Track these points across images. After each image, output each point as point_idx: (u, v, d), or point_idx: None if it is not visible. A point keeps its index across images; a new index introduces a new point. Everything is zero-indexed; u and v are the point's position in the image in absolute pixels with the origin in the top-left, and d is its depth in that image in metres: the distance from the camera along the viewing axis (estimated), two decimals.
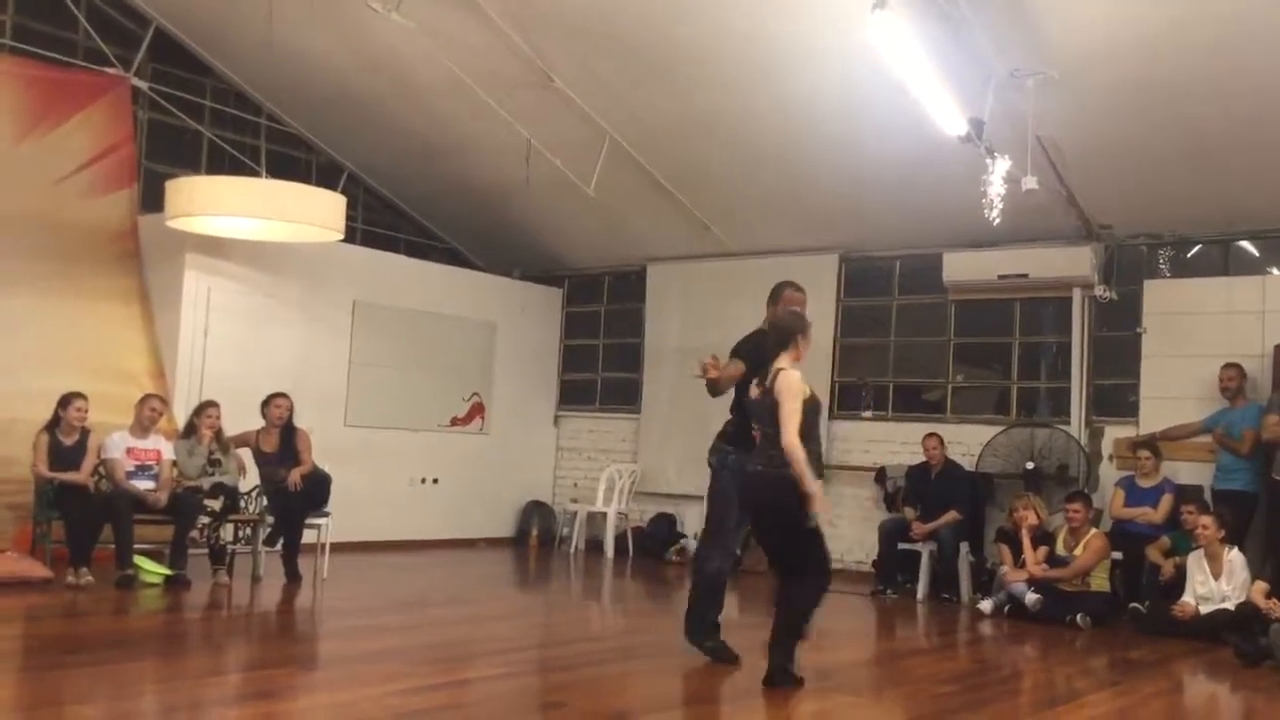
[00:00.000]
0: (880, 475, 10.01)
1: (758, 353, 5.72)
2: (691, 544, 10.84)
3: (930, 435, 9.36)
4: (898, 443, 10.04)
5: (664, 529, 11.12)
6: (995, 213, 7.76)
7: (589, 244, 11.67)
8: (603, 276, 12.21)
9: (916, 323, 10.42)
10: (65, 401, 7.58)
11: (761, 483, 5.29)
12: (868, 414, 10.47)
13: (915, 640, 7.74)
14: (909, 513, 9.17)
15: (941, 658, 7.04)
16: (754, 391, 5.42)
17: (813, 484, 5.12)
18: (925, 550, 9.02)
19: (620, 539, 11.05)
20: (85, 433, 7.65)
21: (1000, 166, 7.73)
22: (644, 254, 11.53)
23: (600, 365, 12.20)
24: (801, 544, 5.23)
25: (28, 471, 7.63)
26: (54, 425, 7.58)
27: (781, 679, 5.22)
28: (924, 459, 9.35)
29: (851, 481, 10.30)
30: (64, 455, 7.57)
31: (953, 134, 7.83)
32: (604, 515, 11.09)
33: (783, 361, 5.34)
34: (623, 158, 9.65)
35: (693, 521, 11.02)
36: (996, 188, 7.72)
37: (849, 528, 10.20)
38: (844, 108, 8.40)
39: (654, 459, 11.41)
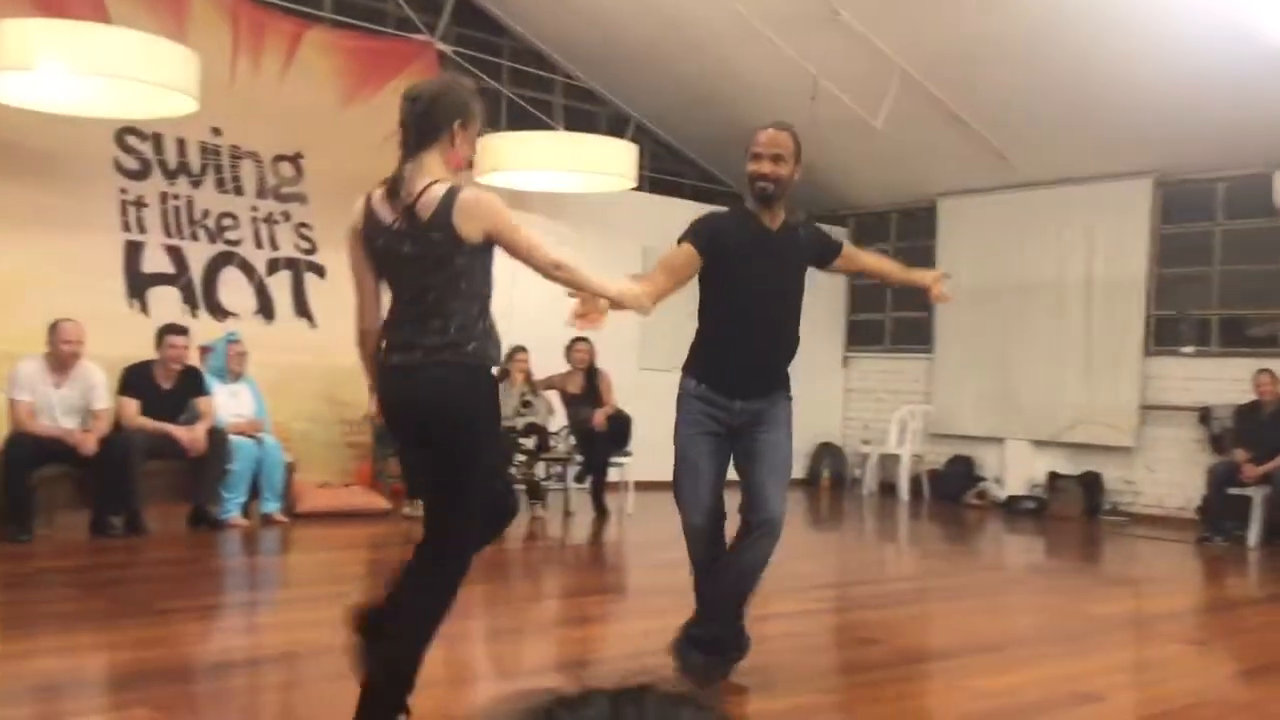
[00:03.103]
0: (1205, 415, 9.32)
1: (720, 238, 3.88)
2: (992, 487, 10.54)
3: (1263, 372, 8.61)
4: (1226, 379, 9.29)
5: (961, 471, 10.83)
6: None
7: (876, 181, 11.41)
8: (890, 214, 11.92)
9: (1243, 250, 9.56)
10: None
11: (418, 383, 3.11)
12: (1189, 349, 9.74)
13: (1247, 589, 7.22)
14: (1240, 455, 8.50)
15: (1278, 607, 6.52)
16: (381, 210, 3.12)
17: (613, 285, 3.34)
18: (1258, 495, 8.34)
19: (915, 482, 10.85)
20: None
21: None
22: (934, 189, 11.16)
23: (889, 304, 11.96)
24: (461, 489, 3.13)
25: (367, 412, 8.33)
26: None
27: None
28: (1254, 397, 8.63)
29: (1170, 422, 9.66)
30: None
31: None
32: (897, 457, 10.92)
33: (434, 167, 3.10)
34: (912, 88, 9.35)
35: (991, 464, 10.69)
36: None
37: (1168, 471, 9.60)
38: (1157, 17, 7.77)
39: (949, 400, 11.10)
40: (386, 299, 3.24)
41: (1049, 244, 10.38)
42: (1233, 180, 9.52)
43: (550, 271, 3.15)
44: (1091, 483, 9.94)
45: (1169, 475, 9.54)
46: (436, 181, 3.06)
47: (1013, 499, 10.22)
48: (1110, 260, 10.01)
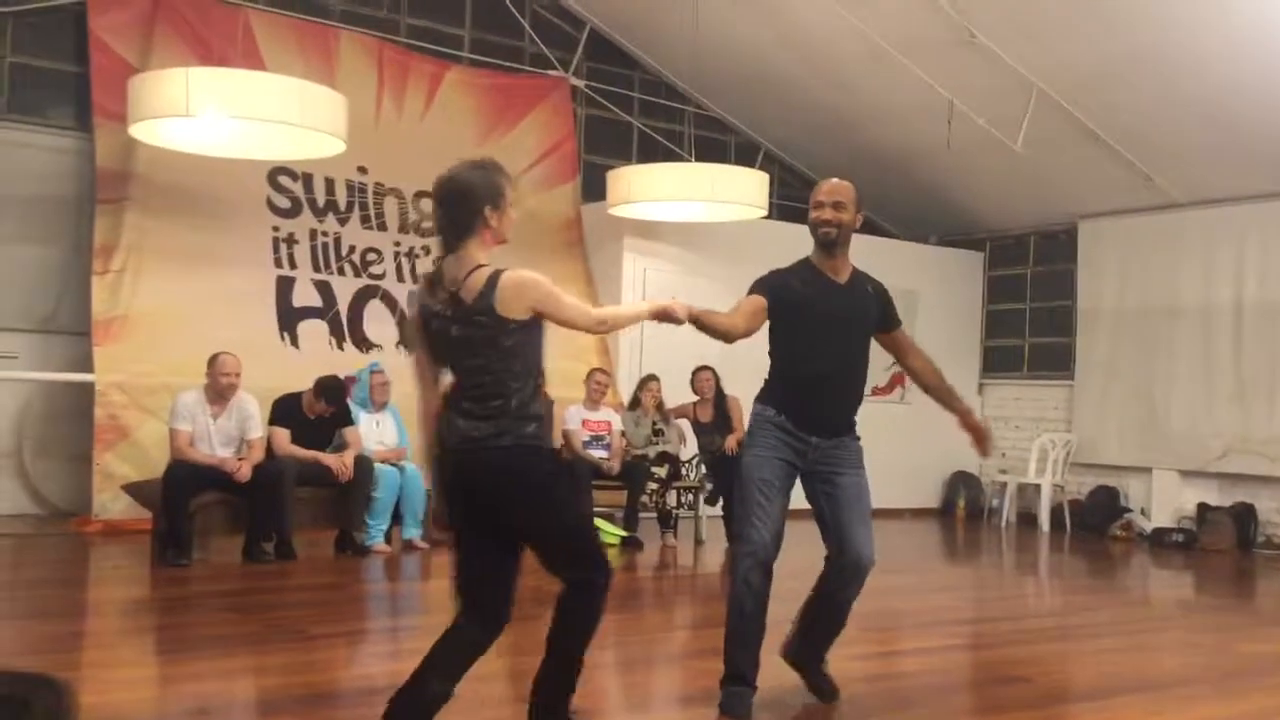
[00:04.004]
0: None
1: (784, 292, 3.98)
2: (1138, 519, 10.17)
3: None
4: None
5: (1105, 502, 10.47)
6: None
7: (1012, 204, 11.18)
8: (1028, 237, 11.65)
9: None
10: None
11: (479, 464, 3.19)
12: None
13: None
14: None
15: None
16: (427, 298, 3.25)
17: (646, 305, 3.57)
18: None
19: (1056, 512, 10.54)
20: (549, 404, 8.39)
21: None
22: (1075, 211, 10.88)
23: (1027, 330, 11.68)
24: (567, 534, 3.31)
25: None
26: None
27: None
28: None
29: None
30: None
31: None
32: (1037, 487, 10.62)
33: (476, 254, 3.20)
34: (1051, 109, 9.15)
35: (1137, 495, 10.32)
36: None
37: None
38: None
39: (1092, 428, 10.76)
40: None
41: (1197, 266, 10.01)
42: None
43: (597, 329, 3.47)
44: (1244, 514, 9.51)
45: None
46: (480, 266, 3.17)
47: (1160, 531, 9.84)
48: (1263, 282, 9.60)
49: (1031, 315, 11.66)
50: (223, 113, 6.68)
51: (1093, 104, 9.13)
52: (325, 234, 9.02)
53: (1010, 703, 4.44)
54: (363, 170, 9.16)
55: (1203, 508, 9.73)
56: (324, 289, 8.90)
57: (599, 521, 8.11)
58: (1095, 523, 10.32)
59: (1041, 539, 10.16)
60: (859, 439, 4.12)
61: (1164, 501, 10.02)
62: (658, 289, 9.82)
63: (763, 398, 4.10)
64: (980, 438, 4.21)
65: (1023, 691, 4.59)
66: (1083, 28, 8.30)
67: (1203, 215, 9.94)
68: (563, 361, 8.95)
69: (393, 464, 7.50)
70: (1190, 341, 10.05)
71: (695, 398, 8.89)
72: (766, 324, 4.03)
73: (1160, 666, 5.22)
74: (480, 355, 3.17)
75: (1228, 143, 9.08)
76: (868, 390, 4.24)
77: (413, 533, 7.51)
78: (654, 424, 8.54)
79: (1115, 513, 10.33)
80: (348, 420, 7.36)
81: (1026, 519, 10.73)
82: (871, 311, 4.13)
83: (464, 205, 3.18)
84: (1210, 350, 9.90)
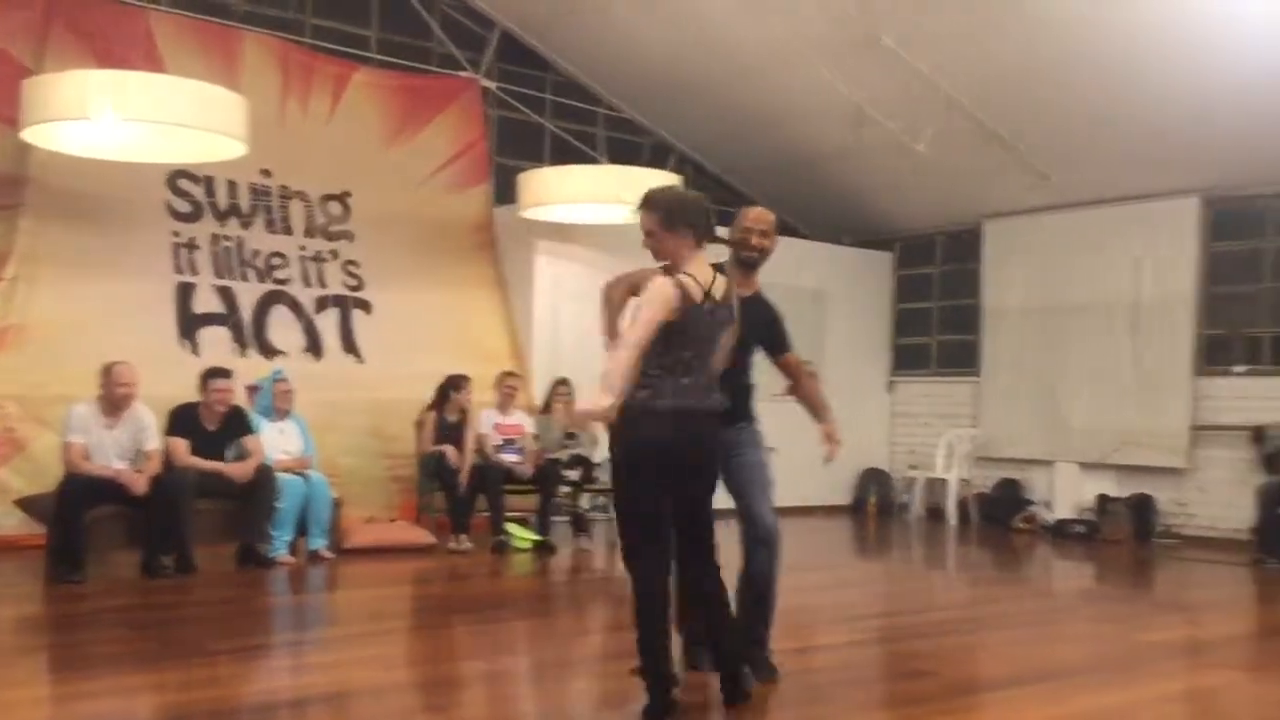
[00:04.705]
0: (1258, 435, 9.15)
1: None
2: (1041, 510, 10.42)
3: None
4: (1277, 399, 9.14)
5: (1009, 495, 10.72)
6: None
7: (920, 205, 11.38)
8: (934, 237, 11.88)
9: None
10: (458, 384, 8.23)
11: (708, 426, 4.03)
12: (1240, 369, 9.60)
13: None
14: None
15: None
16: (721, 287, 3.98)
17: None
18: None
19: (962, 506, 10.75)
20: (465, 411, 8.29)
21: None
22: (979, 211, 11.11)
23: (935, 328, 11.90)
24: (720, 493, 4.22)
25: (411, 447, 8.39)
26: (441, 404, 8.25)
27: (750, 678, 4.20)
28: None
29: (1222, 442, 9.52)
30: (449, 432, 8.20)
31: None
32: (944, 482, 10.83)
33: (703, 256, 4.00)
34: (955, 112, 9.33)
35: (1040, 487, 10.57)
36: None
37: (1221, 492, 9.45)
38: (1200, 34, 7.73)
39: (997, 423, 11.01)
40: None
41: (1095, 264, 10.30)
42: None
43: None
44: (1142, 505, 9.80)
45: (1222, 496, 9.39)
46: (720, 273, 4.02)
47: (1062, 523, 10.10)
48: (1158, 279, 9.91)
49: (939, 314, 11.89)
50: (120, 115, 6.50)
51: (995, 107, 9.34)
52: (228, 239, 8.82)
53: (915, 696, 4.52)
54: (266, 173, 8.98)
55: (1102, 499, 10.01)
56: (226, 295, 8.70)
57: (510, 526, 8.07)
58: (1000, 515, 10.56)
59: (948, 532, 10.36)
60: (753, 422, 4.53)
61: (1065, 493, 10.28)
62: (570, 292, 9.79)
63: None
64: (831, 450, 4.64)
65: (927, 685, 4.66)
66: (984, 32, 8.48)
67: (1101, 214, 10.23)
68: (477, 365, 8.90)
69: (297, 473, 7.36)
70: (1090, 338, 10.33)
71: None
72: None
73: (1062, 656, 5.34)
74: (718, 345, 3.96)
75: (1124, 144, 9.36)
76: (780, 390, 4.69)
77: (319, 543, 7.37)
78: (565, 428, 8.51)
79: (1019, 505, 10.58)
80: (246, 429, 7.20)
81: (935, 513, 10.93)
82: (760, 325, 4.51)
83: (699, 210, 3.92)
84: (1109, 346, 10.19)
